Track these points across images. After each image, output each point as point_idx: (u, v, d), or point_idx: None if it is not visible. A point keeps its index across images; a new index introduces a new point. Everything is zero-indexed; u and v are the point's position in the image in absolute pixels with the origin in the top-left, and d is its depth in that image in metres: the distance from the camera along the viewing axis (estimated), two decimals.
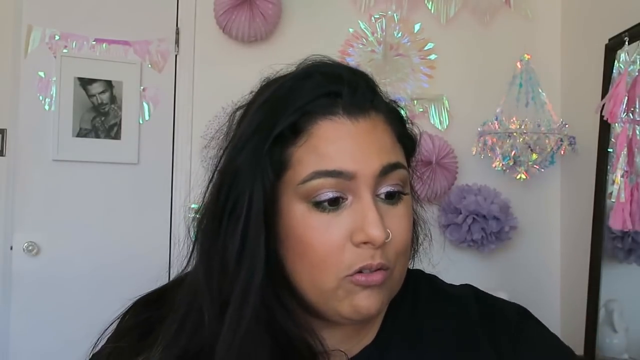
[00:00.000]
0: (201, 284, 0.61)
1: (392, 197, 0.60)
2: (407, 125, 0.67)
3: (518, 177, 2.21)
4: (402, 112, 0.68)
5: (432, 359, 0.65)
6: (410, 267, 0.72)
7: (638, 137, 1.72)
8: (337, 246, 0.58)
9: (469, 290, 0.72)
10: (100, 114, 2.24)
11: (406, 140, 0.65)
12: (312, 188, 0.58)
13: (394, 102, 0.67)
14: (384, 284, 0.59)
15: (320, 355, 0.61)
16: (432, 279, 0.74)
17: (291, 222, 0.59)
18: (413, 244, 0.67)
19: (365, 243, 0.57)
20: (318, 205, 0.58)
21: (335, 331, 0.65)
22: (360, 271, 0.58)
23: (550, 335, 0.69)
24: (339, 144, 0.58)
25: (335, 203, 0.58)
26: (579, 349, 2.03)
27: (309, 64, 0.64)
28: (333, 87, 0.60)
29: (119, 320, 0.68)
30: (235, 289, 0.59)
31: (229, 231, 0.59)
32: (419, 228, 0.71)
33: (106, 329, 0.67)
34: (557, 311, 2.39)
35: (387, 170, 0.59)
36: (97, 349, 0.67)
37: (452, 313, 0.68)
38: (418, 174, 0.72)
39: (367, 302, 0.58)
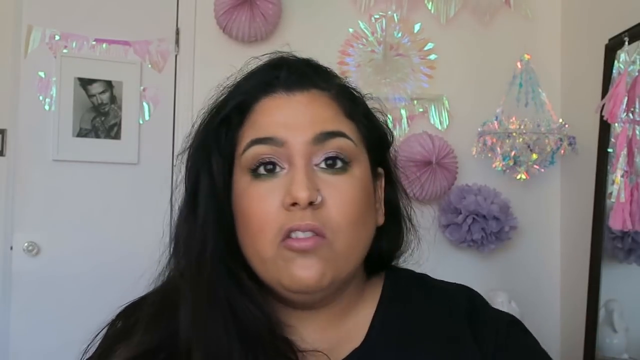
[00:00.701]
0: (169, 262, 0.66)
1: (332, 166, 0.61)
2: (374, 118, 0.69)
3: (518, 177, 2.21)
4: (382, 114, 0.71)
5: (421, 359, 0.65)
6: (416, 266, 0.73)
7: (638, 137, 1.72)
8: (271, 212, 0.59)
9: (463, 289, 0.72)
10: (100, 114, 2.24)
11: (364, 122, 0.66)
12: (250, 157, 0.61)
13: (357, 93, 0.69)
14: (321, 254, 0.59)
15: (280, 338, 0.61)
16: (422, 277, 0.74)
17: (238, 196, 0.63)
18: (365, 220, 0.64)
19: (293, 205, 0.58)
20: (255, 173, 0.61)
21: (306, 322, 0.65)
22: (291, 235, 0.59)
23: (539, 350, 0.68)
24: (273, 115, 0.62)
25: (271, 170, 0.61)
26: (579, 349, 2.03)
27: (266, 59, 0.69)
28: (275, 72, 0.65)
29: (108, 326, 0.69)
30: (188, 266, 0.63)
31: (187, 210, 0.65)
32: (405, 225, 0.72)
33: (96, 336, 0.68)
34: (557, 311, 2.39)
35: (321, 138, 0.60)
36: (87, 355, 0.67)
37: (442, 310, 0.68)
38: (407, 173, 0.75)
39: (303, 272, 0.59)
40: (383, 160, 0.71)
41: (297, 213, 0.58)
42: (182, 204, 0.67)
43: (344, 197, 0.60)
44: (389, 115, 0.73)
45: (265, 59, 0.69)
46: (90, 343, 0.67)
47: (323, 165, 0.61)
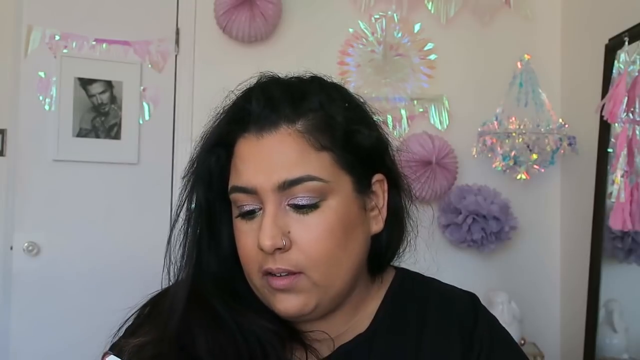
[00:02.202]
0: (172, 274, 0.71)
1: (300, 208, 0.65)
2: (364, 127, 0.69)
3: (518, 177, 2.21)
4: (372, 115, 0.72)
5: (413, 345, 0.70)
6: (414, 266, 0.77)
7: (638, 137, 1.72)
8: (252, 251, 0.66)
9: (467, 297, 0.76)
10: (100, 114, 2.24)
11: (344, 142, 0.67)
12: (233, 200, 0.68)
13: (347, 104, 0.70)
14: (300, 288, 0.65)
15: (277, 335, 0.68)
16: (428, 281, 0.78)
17: (234, 225, 0.69)
18: (346, 243, 0.67)
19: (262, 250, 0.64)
20: (239, 212, 0.67)
21: (317, 325, 0.70)
22: (270, 273, 0.65)
23: None
24: (246, 162, 0.66)
25: (250, 214, 0.66)
26: (579, 349, 2.03)
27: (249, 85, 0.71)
28: (246, 105, 0.68)
29: (138, 311, 0.74)
30: (174, 285, 0.70)
31: (185, 225, 0.71)
32: (406, 225, 0.75)
33: (125, 322, 0.73)
34: (557, 311, 2.39)
35: (286, 185, 0.64)
36: (115, 339, 0.72)
37: (441, 312, 0.73)
38: (406, 173, 0.76)
39: (283, 305, 0.66)
40: (381, 165, 0.72)
41: (269, 256, 0.64)
42: (185, 221, 0.72)
43: (315, 235, 0.64)
44: (389, 115, 0.74)
45: (245, 84, 0.71)
46: (122, 325, 0.73)
47: (292, 207, 0.65)
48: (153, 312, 0.73)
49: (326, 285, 0.66)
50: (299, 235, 0.64)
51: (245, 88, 0.70)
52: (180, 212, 0.71)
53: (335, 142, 0.66)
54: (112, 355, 0.56)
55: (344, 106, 0.69)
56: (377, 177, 0.71)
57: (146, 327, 0.70)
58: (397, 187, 0.74)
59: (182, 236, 0.71)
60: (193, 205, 0.71)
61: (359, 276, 0.71)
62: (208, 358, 0.65)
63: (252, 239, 0.65)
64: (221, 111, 0.71)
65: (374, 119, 0.73)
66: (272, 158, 0.65)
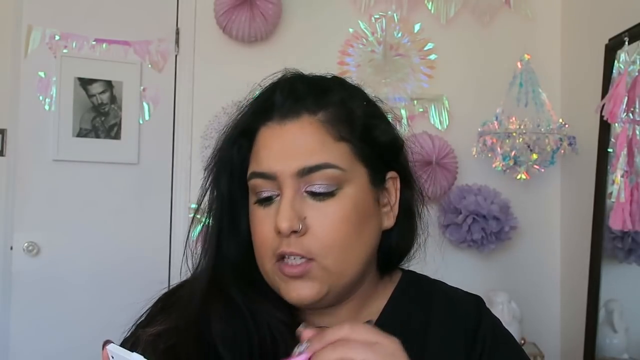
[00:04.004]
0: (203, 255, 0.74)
1: (317, 194, 0.66)
2: (381, 124, 0.72)
3: (518, 177, 2.21)
4: (385, 113, 0.74)
5: (418, 345, 0.71)
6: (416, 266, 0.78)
7: (638, 137, 1.72)
8: (268, 236, 0.67)
9: (471, 300, 0.77)
10: (100, 114, 2.24)
11: (362, 136, 0.69)
12: (252, 186, 0.69)
13: (366, 102, 0.73)
14: (312, 275, 0.66)
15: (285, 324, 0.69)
16: (434, 282, 0.79)
17: (250, 210, 0.71)
18: (359, 234, 0.69)
19: (279, 232, 0.65)
20: (257, 198, 0.69)
21: (326, 317, 0.72)
22: (283, 258, 0.66)
23: None
24: (268, 148, 0.68)
25: (268, 200, 0.68)
26: (579, 349, 2.03)
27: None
28: (270, 96, 0.70)
29: (152, 306, 0.76)
30: (198, 269, 0.73)
31: (208, 217, 0.74)
32: (417, 224, 0.76)
33: (142, 316, 0.75)
34: (557, 311, 2.39)
35: (305, 172, 0.66)
36: (128, 334, 0.74)
37: (444, 314, 0.74)
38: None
39: (296, 293, 0.67)
40: (395, 163, 0.74)
41: (285, 240, 0.66)
42: (207, 211, 0.74)
43: (330, 221, 0.66)
44: (389, 115, 0.75)
45: (270, 79, 0.74)
46: (138, 320, 0.75)
47: (310, 193, 0.67)
48: (166, 304, 0.74)
49: (338, 272, 0.67)
50: (314, 221, 0.66)
51: (270, 82, 0.73)
52: (202, 201, 0.73)
53: (354, 134, 0.68)
54: (112, 344, 0.56)
55: (364, 103, 0.72)
56: (391, 174, 0.73)
57: (160, 317, 0.72)
58: (409, 187, 0.75)
59: (202, 226, 0.73)
60: (215, 195, 0.73)
61: (368, 270, 0.72)
62: (221, 344, 0.67)
63: (268, 225, 0.67)
64: (245, 104, 0.73)
65: (389, 119, 0.75)
66: (293, 145, 0.67)
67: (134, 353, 0.54)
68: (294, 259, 0.66)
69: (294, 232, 0.65)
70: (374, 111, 0.73)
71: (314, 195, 0.66)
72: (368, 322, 0.62)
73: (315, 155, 0.66)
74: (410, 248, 0.76)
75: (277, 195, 0.67)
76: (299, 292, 0.66)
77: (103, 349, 0.55)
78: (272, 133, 0.68)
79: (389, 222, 0.72)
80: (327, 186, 0.66)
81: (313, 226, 0.65)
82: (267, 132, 0.69)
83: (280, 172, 0.66)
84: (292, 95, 0.69)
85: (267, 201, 0.68)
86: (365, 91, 0.75)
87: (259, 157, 0.68)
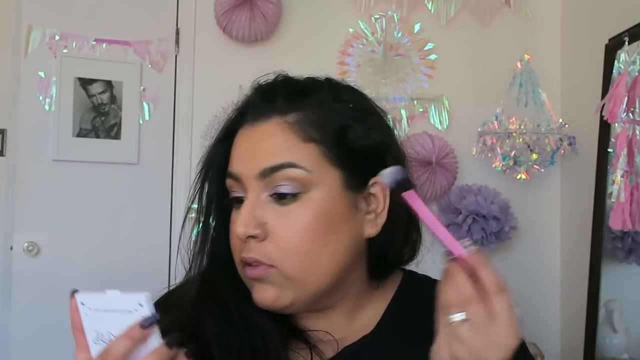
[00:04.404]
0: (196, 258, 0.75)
1: (280, 198, 0.65)
2: (366, 126, 0.69)
3: (518, 177, 2.21)
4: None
5: (419, 347, 0.65)
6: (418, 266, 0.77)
7: (638, 137, 1.72)
8: (235, 239, 0.67)
9: None
10: (100, 114, 2.24)
11: (339, 138, 0.67)
12: (227, 186, 0.69)
13: (347, 104, 0.70)
14: (271, 280, 0.65)
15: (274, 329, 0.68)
16: (426, 279, 0.78)
17: None
18: (326, 240, 0.66)
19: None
20: (231, 201, 0.69)
21: (319, 320, 0.71)
22: (248, 263, 0.66)
23: None
24: (237, 149, 0.69)
25: (239, 201, 0.67)
26: (579, 349, 2.03)
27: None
28: (250, 98, 0.71)
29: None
30: (191, 270, 0.73)
31: (198, 219, 0.74)
32: (410, 229, 0.73)
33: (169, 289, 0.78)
34: (557, 311, 2.39)
35: (267, 172, 0.65)
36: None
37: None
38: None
39: (257, 295, 0.66)
40: (383, 168, 0.70)
41: (245, 244, 0.65)
42: (197, 212, 0.75)
43: (291, 227, 0.64)
44: (389, 116, 0.74)
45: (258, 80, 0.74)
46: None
47: (273, 196, 0.65)
48: (164, 307, 0.73)
49: (301, 280, 0.65)
50: (275, 226, 0.64)
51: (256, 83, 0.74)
52: (192, 204, 0.73)
53: (326, 136, 0.66)
54: (79, 292, 0.56)
55: (349, 106, 0.70)
56: (377, 179, 0.70)
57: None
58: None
59: (195, 228, 0.73)
60: (204, 196, 0.73)
61: (352, 277, 0.70)
62: (215, 346, 0.66)
63: (235, 227, 0.67)
64: (235, 106, 0.74)
65: (387, 124, 0.74)
66: (258, 146, 0.66)
67: (107, 290, 0.54)
68: (254, 262, 0.65)
69: (253, 237, 0.64)
70: (358, 115, 0.70)
71: (278, 199, 0.65)
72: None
73: (278, 155, 0.65)
74: (401, 254, 0.74)
75: (246, 198, 0.67)
76: (259, 294, 0.66)
77: (71, 299, 0.56)
78: (244, 134, 0.69)
79: (372, 230, 0.69)
80: (291, 187, 0.64)
81: (274, 232, 0.64)
82: (242, 133, 0.69)
83: (244, 174, 0.66)
84: (265, 97, 0.69)
85: (237, 202, 0.68)
86: (362, 93, 0.73)
87: (232, 158, 0.69)
